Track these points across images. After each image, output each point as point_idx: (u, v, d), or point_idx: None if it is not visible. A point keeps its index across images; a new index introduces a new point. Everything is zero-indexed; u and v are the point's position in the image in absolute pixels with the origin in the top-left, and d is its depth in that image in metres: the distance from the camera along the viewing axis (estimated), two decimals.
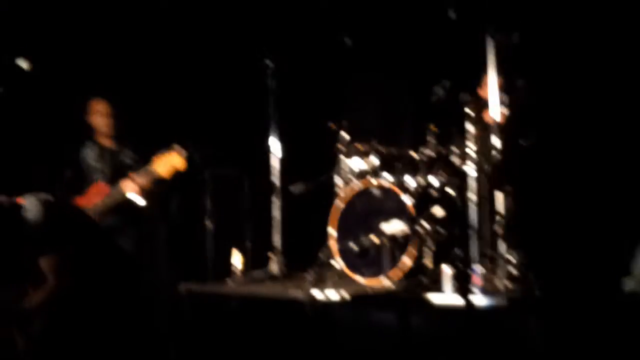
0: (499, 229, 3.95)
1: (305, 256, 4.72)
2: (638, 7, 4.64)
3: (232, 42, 5.71)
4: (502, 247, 3.93)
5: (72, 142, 4.69)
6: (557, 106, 4.79)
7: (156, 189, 4.46)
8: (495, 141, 3.94)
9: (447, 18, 4.29)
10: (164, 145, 4.38)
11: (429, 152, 4.56)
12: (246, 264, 4.91)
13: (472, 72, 4.54)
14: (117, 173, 4.52)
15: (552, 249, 4.43)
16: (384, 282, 4.29)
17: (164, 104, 5.47)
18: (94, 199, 4.44)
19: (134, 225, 4.54)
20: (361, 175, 4.71)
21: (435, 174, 4.54)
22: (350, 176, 4.76)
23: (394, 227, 4.29)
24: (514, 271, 3.89)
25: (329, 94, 5.65)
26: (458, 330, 3.60)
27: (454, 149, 4.48)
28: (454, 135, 4.47)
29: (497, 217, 3.97)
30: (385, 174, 4.63)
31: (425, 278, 4.20)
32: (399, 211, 4.35)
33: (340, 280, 4.47)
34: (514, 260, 3.91)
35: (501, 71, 3.97)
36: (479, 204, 4.03)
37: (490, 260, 4.20)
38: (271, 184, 5.04)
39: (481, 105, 4.36)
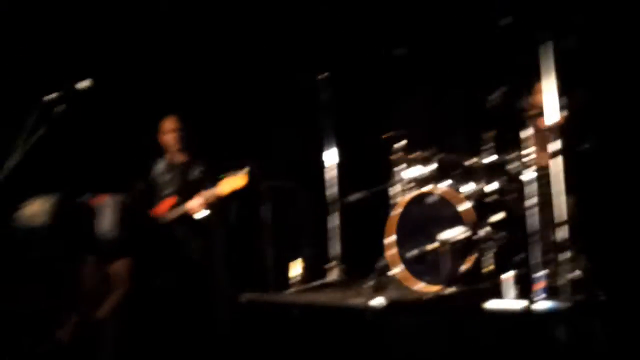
0: (561, 234, 3.91)
1: (364, 264, 4.74)
2: None
3: (289, 58, 5.84)
4: (564, 252, 3.89)
5: (145, 159, 4.88)
6: (617, 109, 4.73)
7: (219, 203, 4.58)
8: (556, 145, 3.91)
9: (498, 24, 4.31)
10: (227, 157, 4.50)
11: (487, 158, 4.56)
12: (305, 274, 4.96)
13: (526, 79, 4.53)
14: (185, 187, 4.68)
15: (615, 253, 4.36)
16: (443, 288, 4.29)
17: (227, 117, 5.64)
18: (163, 213, 4.59)
19: (198, 235, 4.65)
20: (419, 182, 4.72)
21: (493, 180, 4.53)
22: (407, 184, 4.78)
23: (454, 233, 4.29)
24: (577, 276, 3.85)
25: (383, 105, 5.70)
26: (519, 336, 3.57)
27: (511, 155, 4.47)
28: (511, 141, 4.46)
29: (559, 222, 3.93)
30: (444, 181, 4.64)
31: (485, 284, 4.18)
32: (457, 218, 4.34)
33: (400, 287, 4.48)
34: (577, 265, 3.86)
35: (559, 75, 3.95)
36: (540, 209, 4.00)
37: (553, 265, 4.15)
38: (326, 195, 5.11)
39: (536, 111, 4.34)
